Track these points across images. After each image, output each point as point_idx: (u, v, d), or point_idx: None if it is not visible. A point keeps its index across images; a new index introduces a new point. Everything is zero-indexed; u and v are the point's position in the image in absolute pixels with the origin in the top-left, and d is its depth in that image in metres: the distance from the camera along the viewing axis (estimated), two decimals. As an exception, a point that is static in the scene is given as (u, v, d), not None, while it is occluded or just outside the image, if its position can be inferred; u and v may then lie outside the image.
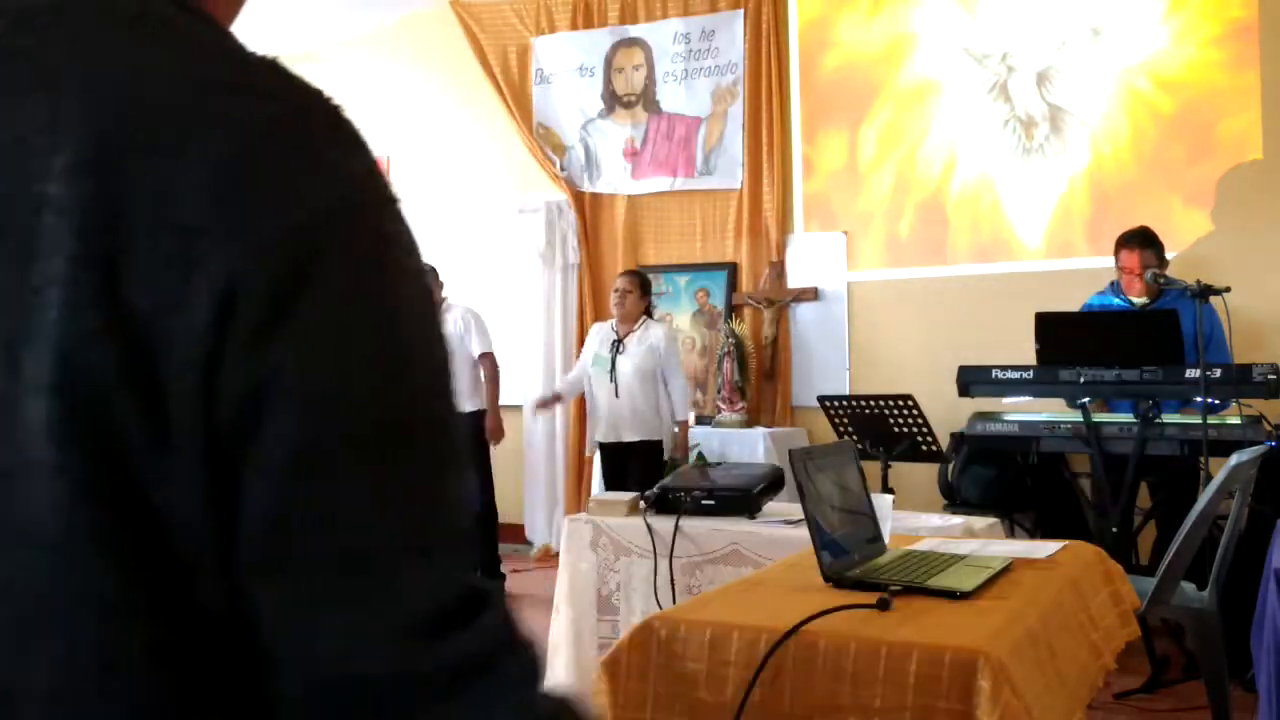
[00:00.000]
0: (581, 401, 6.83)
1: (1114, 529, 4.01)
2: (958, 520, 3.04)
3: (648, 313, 5.46)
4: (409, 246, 0.55)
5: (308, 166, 0.52)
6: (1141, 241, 4.52)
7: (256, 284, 0.49)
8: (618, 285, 5.45)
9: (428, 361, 0.55)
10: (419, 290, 0.55)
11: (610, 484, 5.21)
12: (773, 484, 3.28)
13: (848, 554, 2.03)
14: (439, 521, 0.54)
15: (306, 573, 0.51)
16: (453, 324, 5.47)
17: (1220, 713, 3.13)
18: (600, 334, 5.41)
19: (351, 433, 0.51)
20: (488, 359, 5.60)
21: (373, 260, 0.53)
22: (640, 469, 4.97)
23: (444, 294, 5.71)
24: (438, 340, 0.56)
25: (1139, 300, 4.52)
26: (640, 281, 5.44)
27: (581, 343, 6.05)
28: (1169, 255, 4.73)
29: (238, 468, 0.50)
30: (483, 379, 5.59)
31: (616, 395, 5.17)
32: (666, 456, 5.20)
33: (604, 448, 5.31)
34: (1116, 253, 4.61)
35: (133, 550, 0.50)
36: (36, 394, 0.48)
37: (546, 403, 5.77)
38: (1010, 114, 5.79)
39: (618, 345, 5.24)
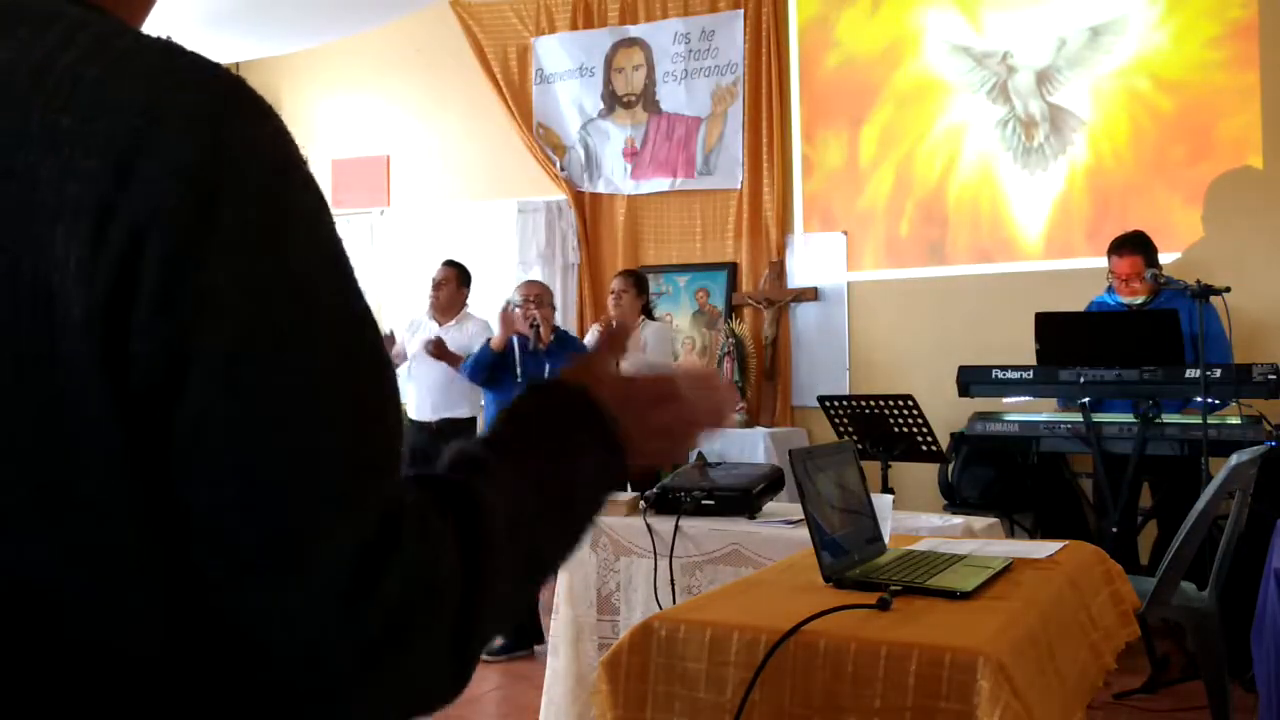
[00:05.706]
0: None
1: (1114, 529, 4.01)
2: (958, 520, 3.04)
3: (646, 312, 5.44)
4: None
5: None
6: (1133, 247, 4.50)
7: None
8: (613, 287, 5.42)
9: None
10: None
11: None
12: (773, 484, 3.27)
13: (848, 554, 2.03)
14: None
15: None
16: (468, 335, 5.20)
17: (1220, 713, 3.13)
18: (593, 335, 5.39)
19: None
20: None
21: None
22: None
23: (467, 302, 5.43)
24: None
25: (1134, 301, 4.52)
26: (635, 281, 5.41)
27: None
28: (1169, 255, 4.73)
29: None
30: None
31: None
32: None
33: None
34: (1109, 258, 4.61)
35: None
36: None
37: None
38: (1010, 114, 5.79)
39: None
